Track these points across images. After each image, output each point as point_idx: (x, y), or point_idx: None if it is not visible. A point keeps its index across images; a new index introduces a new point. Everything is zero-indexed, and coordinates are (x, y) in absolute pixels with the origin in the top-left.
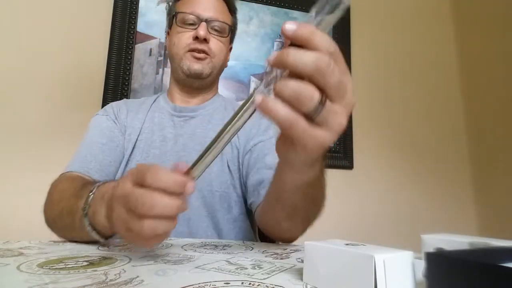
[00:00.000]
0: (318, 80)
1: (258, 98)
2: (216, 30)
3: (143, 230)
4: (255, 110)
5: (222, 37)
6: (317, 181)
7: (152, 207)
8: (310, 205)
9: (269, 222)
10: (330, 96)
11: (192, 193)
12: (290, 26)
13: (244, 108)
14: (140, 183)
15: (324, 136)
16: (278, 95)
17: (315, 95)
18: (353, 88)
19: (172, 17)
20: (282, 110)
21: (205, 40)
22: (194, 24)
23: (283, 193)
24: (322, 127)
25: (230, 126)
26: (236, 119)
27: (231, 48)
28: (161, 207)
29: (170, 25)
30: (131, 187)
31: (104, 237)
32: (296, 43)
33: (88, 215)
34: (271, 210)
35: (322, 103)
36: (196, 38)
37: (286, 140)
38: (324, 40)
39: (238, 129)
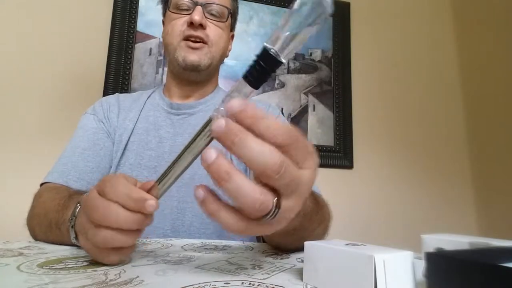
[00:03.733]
0: (268, 181)
1: (199, 192)
2: (213, 15)
3: (95, 239)
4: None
5: (220, 21)
6: (300, 226)
7: (105, 216)
8: (303, 240)
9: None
10: (281, 194)
11: (155, 210)
12: (235, 104)
13: (204, 131)
14: (102, 193)
15: (269, 230)
16: (229, 196)
17: (268, 206)
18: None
19: (165, 2)
20: (227, 220)
21: (201, 26)
22: (189, 9)
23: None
24: (270, 223)
25: (186, 151)
26: (194, 144)
27: (233, 36)
28: (114, 217)
29: (164, 13)
30: (95, 196)
31: None
32: (241, 124)
33: (74, 226)
34: (270, 242)
35: (274, 213)
36: (191, 24)
37: None
38: (271, 130)
39: (199, 154)
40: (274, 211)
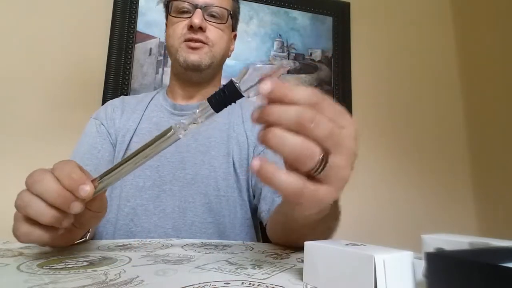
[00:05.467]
0: (306, 133)
1: (256, 163)
2: (213, 17)
3: (18, 231)
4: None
5: (220, 23)
6: (327, 217)
7: (25, 207)
8: (321, 234)
9: (281, 241)
10: (327, 151)
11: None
12: (266, 87)
13: (161, 140)
14: (29, 187)
15: (326, 194)
16: (277, 152)
17: (315, 150)
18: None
19: (167, 6)
20: (286, 179)
21: (201, 29)
22: (189, 12)
23: (288, 227)
24: (323, 184)
25: (141, 155)
26: (150, 149)
27: (235, 36)
28: (34, 210)
29: (167, 16)
30: (25, 190)
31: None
32: (275, 101)
33: None
34: (281, 236)
35: (324, 159)
36: (191, 27)
37: (286, 200)
38: (302, 93)
39: (149, 159)
40: (322, 162)
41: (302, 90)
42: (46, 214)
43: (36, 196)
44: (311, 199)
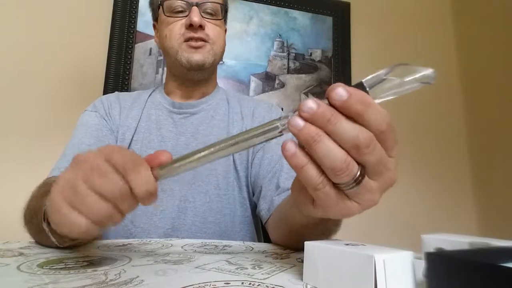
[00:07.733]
0: (355, 156)
1: (289, 147)
2: (209, 13)
3: (67, 220)
4: (274, 137)
5: (217, 19)
6: (327, 220)
7: (80, 202)
8: (320, 235)
9: (280, 241)
10: (367, 173)
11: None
12: (342, 92)
13: (265, 129)
14: (87, 181)
15: (350, 208)
16: (317, 157)
17: (353, 171)
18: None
19: (158, 7)
20: (310, 171)
21: (200, 27)
22: (184, 11)
23: (288, 227)
24: (350, 199)
25: (238, 140)
26: (249, 138)
27: (225, 30)
28: (89, 207)
29: (155, 17)
30: (78, 178)
31: (62, 241)
32: (343, 112)
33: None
34: (281, 236)
35: (358, 181)
36: (190, 25)
37: (307, 194)
38: (376, 117)
39: (244, 149)
40: (358, 178)
41: (377, 113)
42: (102, 212)
43: (92, 190)
44: (329, 203)
